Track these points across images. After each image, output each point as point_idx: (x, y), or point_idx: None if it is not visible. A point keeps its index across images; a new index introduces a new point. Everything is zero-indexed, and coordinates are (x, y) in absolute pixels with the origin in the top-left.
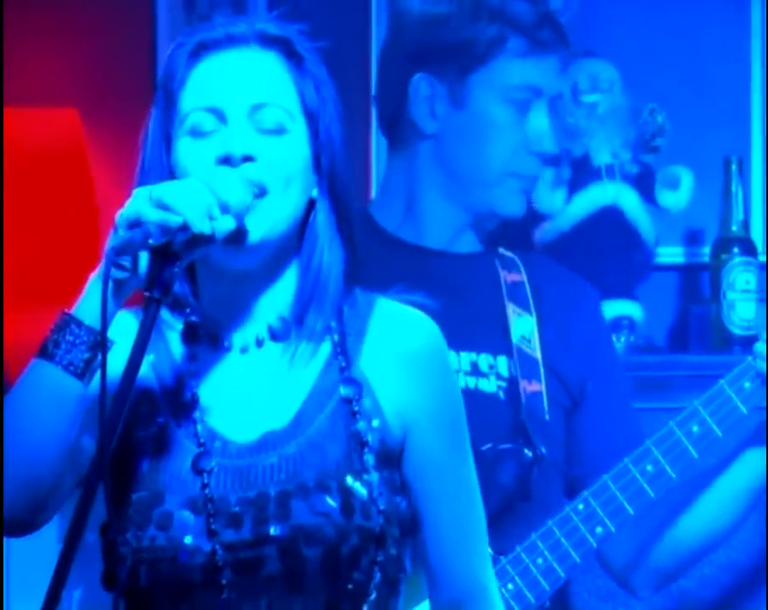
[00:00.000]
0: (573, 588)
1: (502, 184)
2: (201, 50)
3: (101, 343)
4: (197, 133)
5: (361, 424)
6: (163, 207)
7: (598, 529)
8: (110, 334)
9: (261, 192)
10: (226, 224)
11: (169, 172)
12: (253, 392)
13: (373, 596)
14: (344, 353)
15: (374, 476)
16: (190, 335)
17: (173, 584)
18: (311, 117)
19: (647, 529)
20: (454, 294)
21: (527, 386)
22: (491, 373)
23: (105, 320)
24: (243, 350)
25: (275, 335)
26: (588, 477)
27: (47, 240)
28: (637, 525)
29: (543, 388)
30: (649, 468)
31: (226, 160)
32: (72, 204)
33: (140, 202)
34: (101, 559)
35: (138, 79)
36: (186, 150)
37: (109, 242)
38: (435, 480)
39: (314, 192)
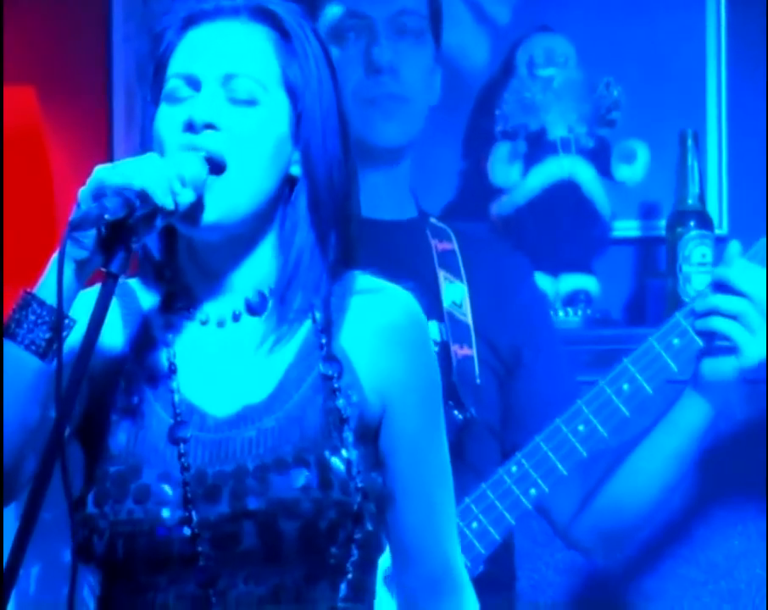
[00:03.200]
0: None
1: (361, 114)
2: (191, 21)
3: (57, 320)
4: (172, 99)
5: (341, 402)
6: (125, 178)
7: (532, 491)
8: (74, 313)
9: (219, 167)
10: (187, 197)
11: None
12: (231, 366)
13: (351, 575)
14: (325, 331)
15: (353, 453)
16: (167, 307)
17: (150, 557)
18: (293, 94)
19: (587, 486)
20: (385, 260)
21: (458, 350)
22: None
23: (61, 297)
24: (220, 324)
25: (251, 309)
26: (524, 443)
27: (2, 219)
28: (578, 481)
29: (474, 353)
30: (581, 427)
31: (190, 126)
32: (28, 182)
33: (103, 174)
34: (69, 533)
35: (93, 55)
36: (161, 115)
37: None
38: (410, 456)
39: (295, 169)
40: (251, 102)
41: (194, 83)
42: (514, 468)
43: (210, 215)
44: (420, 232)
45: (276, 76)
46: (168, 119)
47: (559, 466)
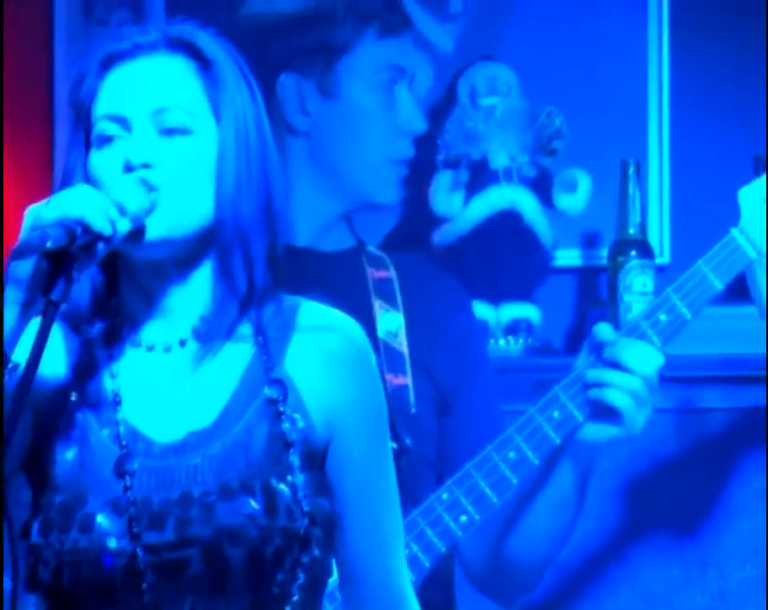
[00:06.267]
0: None
1: (380, 172)
2: (110, 62)
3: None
4: (102, 142)
5: (286, 425)
6: (62, 209)
7: (462, 518)
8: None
9: (157, 194)
10: (123, 226)
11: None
12: (176, 392)
13: (296, 597)
14: (268, 354)
15: (299, 478)
16: (110, 339)
17: (95, 586)
18: (220, 120)
19: (493, 535)
20: (320, 292)
21: (393, 379)
22: None
23: (2, 331)
24: (167, 349)
25: (197, 335)
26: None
27: None
28: (485, 532)
29: (410, 382)
30: (511, 454)
31: (128, 168)
32: None
33: (38, 210)
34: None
35: (36, 81)
36: (94, 161)
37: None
38: (357, 481)
39: None
40: (184, 132)
41: (124, 123)
42: (444, 495)
43: (154, 232)
44: (356, 261)
45: (204, 104)
46: (102, 164)
47: (490, 493)
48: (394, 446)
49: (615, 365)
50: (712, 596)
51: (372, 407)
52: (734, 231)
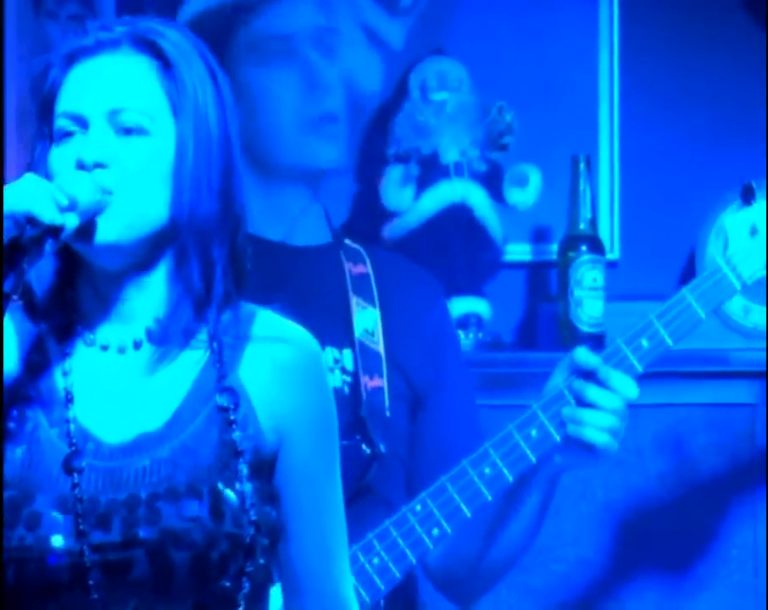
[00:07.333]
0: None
1: (307, 132)
2: (73, 57)
3: None
4: (61, 139)
5: (236, 434)
6: (9, 202)
7: (435, 531)
8: None
9: (109, 194)
10: (72, 221)
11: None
12: (128, 393)
13: (241, 607)
14: (222, 361)
15: (247, 486)
16: (64, 335)
17: (40, 584)
18: (179, 121)
19: (465, 541)
20: (298, 287)
21: (369, 382)
22: (336, 367)
23: (1, 332)
24: (121, 350)
25: (152, 338)
26: (427, 478)
27: None
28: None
29: (385, 383)
30: (487, 470)
31: (80, 167)
32: None
33: None
34: None
35: None
36: (53, 157)
37: None
38: (304, 491)
39: None
40: (140, 132)
41: (81, 122)
42: (418, 507)
43: (105, 235)
44: (334, 257)
45: (163, 105)
46: (60, 159)
47: (464, 507)
48: (367, 451)
49: (592, 404)
50: None
51: (321, 418)
52: (720, 261)
